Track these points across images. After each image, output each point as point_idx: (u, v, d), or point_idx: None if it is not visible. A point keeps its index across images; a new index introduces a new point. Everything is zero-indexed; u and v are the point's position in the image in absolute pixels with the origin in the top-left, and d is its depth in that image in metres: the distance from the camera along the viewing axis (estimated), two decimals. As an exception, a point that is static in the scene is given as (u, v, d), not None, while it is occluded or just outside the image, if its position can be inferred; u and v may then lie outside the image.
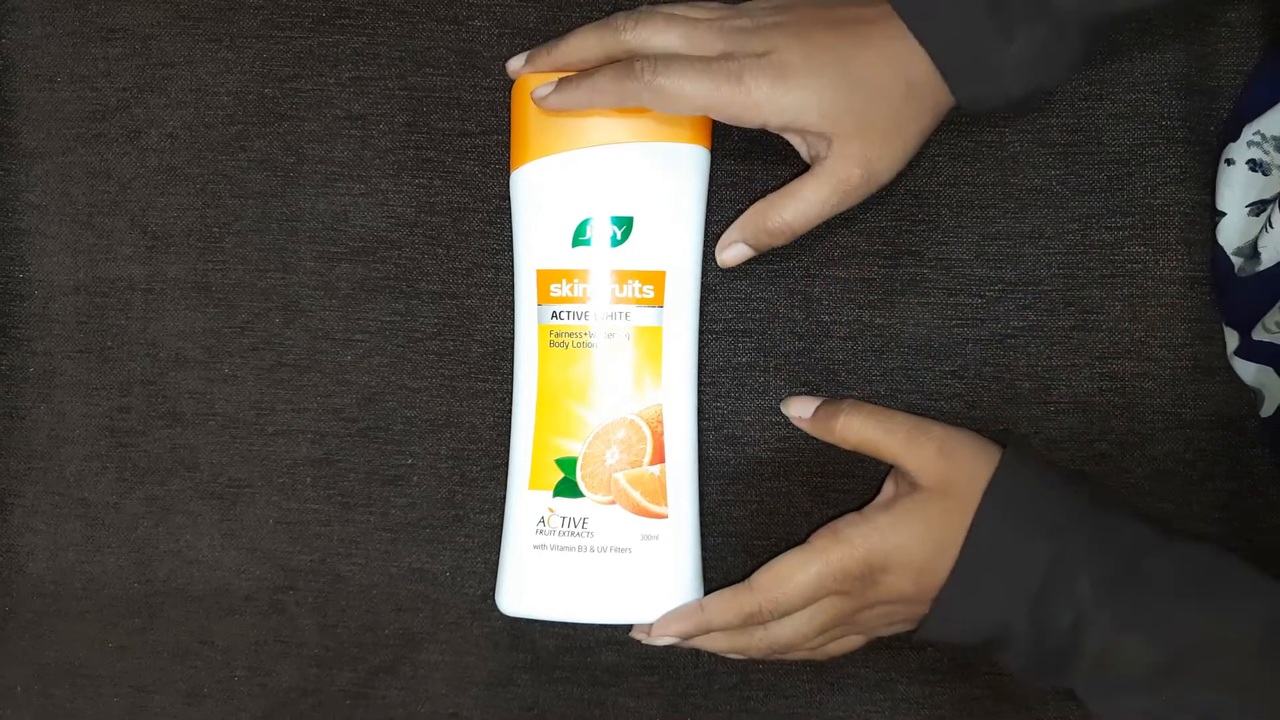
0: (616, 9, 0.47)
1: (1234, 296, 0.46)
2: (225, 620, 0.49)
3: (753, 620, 0.41)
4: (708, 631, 0.42)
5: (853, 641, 0.44)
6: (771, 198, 0.41)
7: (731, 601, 0.42)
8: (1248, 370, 0.46)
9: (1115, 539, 0.39)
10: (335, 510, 0.49)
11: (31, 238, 0.50)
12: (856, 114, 0.38)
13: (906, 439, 0.41)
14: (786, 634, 0.42)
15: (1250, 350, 0.45)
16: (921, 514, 0.40)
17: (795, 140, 0.41)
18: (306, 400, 0.49)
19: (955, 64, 0.38)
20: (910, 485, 0.41)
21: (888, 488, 0.43)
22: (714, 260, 0.46)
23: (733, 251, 0.43)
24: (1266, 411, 0.46)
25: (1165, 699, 0.38)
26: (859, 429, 0.42)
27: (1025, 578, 0.39)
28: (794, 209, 0.40)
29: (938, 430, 0.41)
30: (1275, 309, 0.43)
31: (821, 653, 0.44)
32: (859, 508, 0.42)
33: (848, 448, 0.43)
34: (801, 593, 0.41)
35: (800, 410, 0.44)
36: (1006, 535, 0.39)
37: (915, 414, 0.42)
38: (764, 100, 0.38)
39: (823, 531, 0.41)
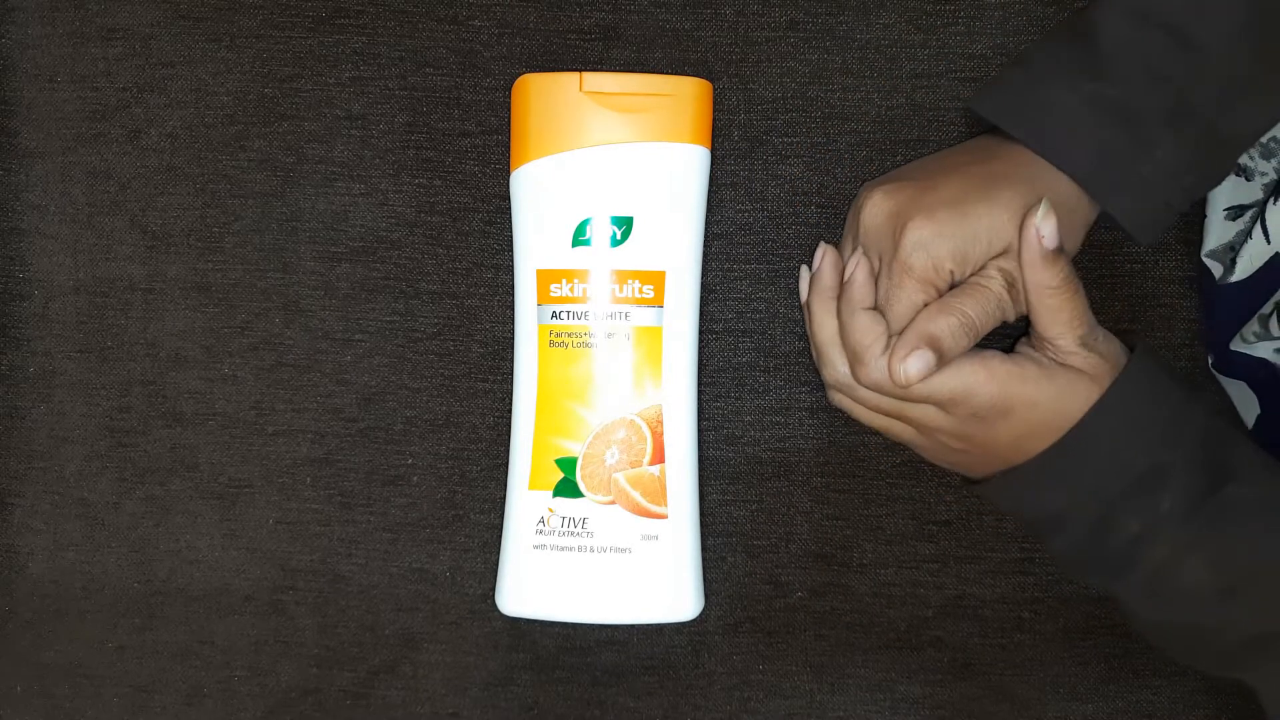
0: (615, 11, 0.47)
1: (1214, 308, 0.46)
2: (225, 620, 0.49)
3: (856, 362, 0.41)
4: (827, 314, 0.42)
5: (905, 435, 0.43)
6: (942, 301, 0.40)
7: (860, 338, 0.41)
8: (1225, 386, 0.46)
9: (1211, 461, 0.39)
10: (335, 510, 0.49)
11: (31, 238, 0.50)
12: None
13: (1073, 326, 0.40)
14: (870, 396, 0.42)
15: (1226, 365, 0.45)
16: (1069, 385, 0.40)
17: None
18: (306, 400, 0.49)
19: (1101, 183, 0.40)
20: (1059, 358, 0.41)
21: (1028, 347, 0.42)
22: (714, 260, 0.46)
23: (918, 361, 0.39)
24: (1249, 425, 0.46)
25: (1215, 620, 0.39)
26: (1058, 282, 0.40)
27: (1114, 479, 0.39)
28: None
29: (1091, 332, 0.41)
30: (1254, 320, 0.43)
31: (869, 420, 0.43)
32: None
33: (1049, 281, 0.39)
34: (923, 391, 0.40)
35: (1047, 229, 0.39)
36: (1115, 433, 0.40)
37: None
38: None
39: (969, 354, 0.40)
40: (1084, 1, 0.46)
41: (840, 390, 0.43)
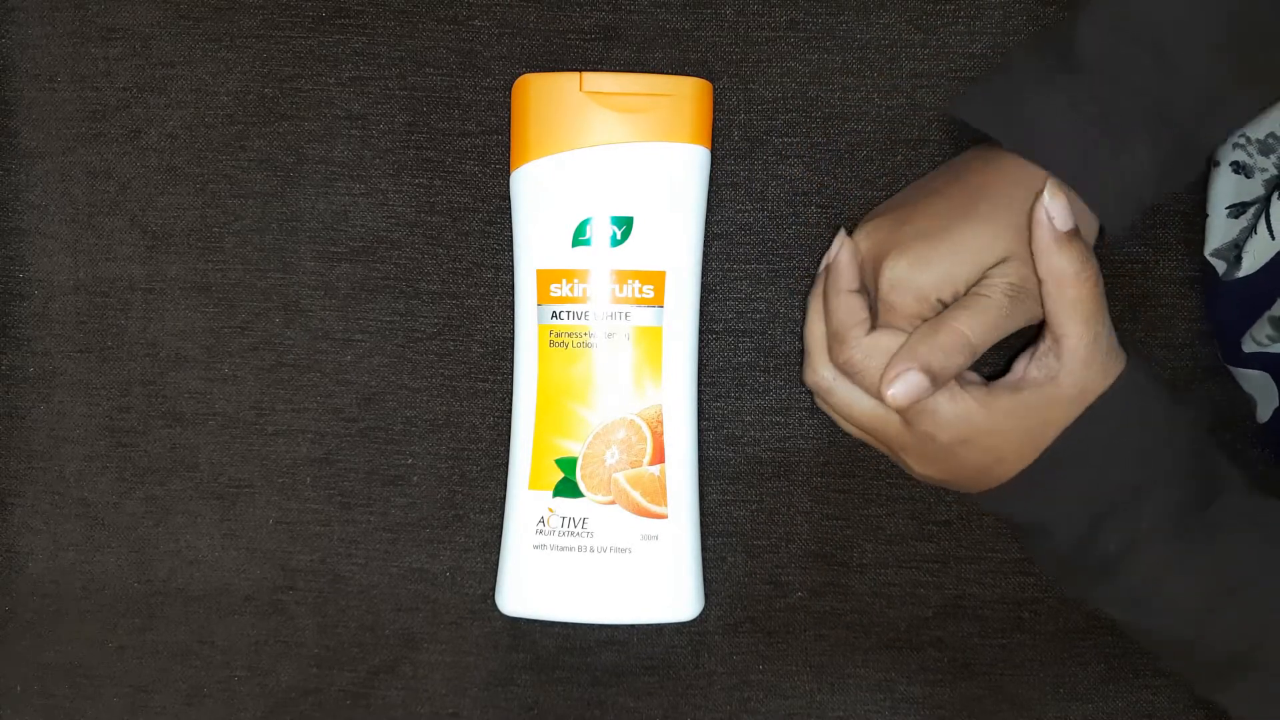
0: (615, 11, 0.47)
1: (1220, 305, 0.46)
2: (225, 620, 0.49)
3: (836, 343, 0.41)
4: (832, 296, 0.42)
5: (882, 449, 0.43)
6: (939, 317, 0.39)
7: (843, 318, 0.41)
8: (1241, 377, 0.46)
9: (1196, 478, 0.39)
10: (335, 510, 0.49)
11: (31, 237, 0.50)
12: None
13: (1091, 323, 0.38)
14: (844, 399, 0.42)
15: (1240, 360, 0.45)
16: (1043, 412, 0.39)
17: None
18: (306, 400, 0.49)
19: (1084, 180, 0.39)
20: (1048, 375, 0.39)
21: (1019, 367, 0.41)
22: (714, 260, 0.46)
23: (905, 384, 0.39)
24: (1263, 417, 0.46)
25: (1194, 634, 0.39)
26: (1076, 267, 0.38)
27: (1092, 498, 0.39)
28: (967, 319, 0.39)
29: (1107, 332, 0.39)
30: (1261, 322, 0.43)
31: (846, 429, 0.44)
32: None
33: (1065, 266, 0.38)
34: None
35: (1056, 209, 0.38)
36: (1098, 453, 0.39)
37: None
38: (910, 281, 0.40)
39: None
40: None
41: (819, 394, 0.43)
